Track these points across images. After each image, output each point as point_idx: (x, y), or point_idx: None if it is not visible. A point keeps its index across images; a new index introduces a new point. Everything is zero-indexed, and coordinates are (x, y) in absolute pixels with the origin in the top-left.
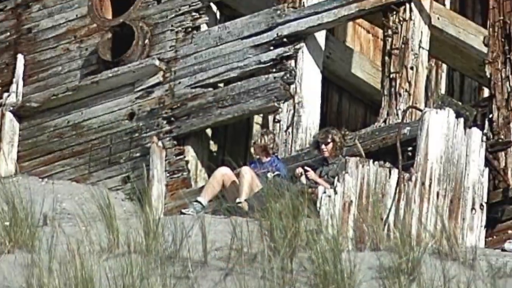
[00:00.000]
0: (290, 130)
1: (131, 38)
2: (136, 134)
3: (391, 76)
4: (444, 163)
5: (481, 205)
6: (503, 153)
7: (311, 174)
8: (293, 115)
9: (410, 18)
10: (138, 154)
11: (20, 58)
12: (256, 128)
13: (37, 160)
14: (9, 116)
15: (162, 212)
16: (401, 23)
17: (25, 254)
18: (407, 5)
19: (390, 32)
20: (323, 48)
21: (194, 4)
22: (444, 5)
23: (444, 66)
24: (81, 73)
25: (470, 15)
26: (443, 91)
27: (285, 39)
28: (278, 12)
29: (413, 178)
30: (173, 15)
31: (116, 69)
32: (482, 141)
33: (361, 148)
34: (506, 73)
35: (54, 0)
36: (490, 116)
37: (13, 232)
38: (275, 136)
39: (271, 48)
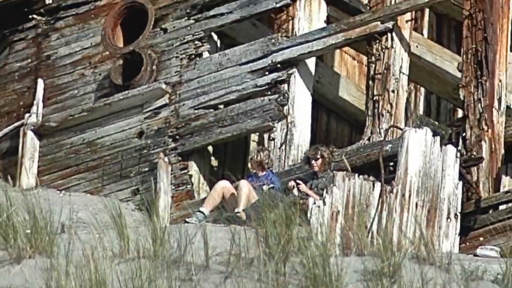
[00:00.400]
0: (283, 147)
1: (140, 64)
2: (145, 151)
3: (375, 98)
4: (422, 177)
5: (456, 214)
6: (475, 168)
7: (303, 186)
8: (286, 134)
9: (392, 46)
10: (146, 169)
11: (40, 82)
12: (252, 145)
13: (55, 174)
14: (30, 134)
15: (168, 221)
16: (383, 50)
17: (44, 259)
18: (389, 35)
19: (373, 58)
20: (313, 73)
21: (196, 33)
22: (422, 34)
23: (422, 90)
24: (95, 95)
25: (446, 43)
26: (421, 112)
27: (279, 65)
28: (273, 40)
29: (394, 191)
30: (178, 44)
31: (126, 92)
32: (456, 157)
33: (347, 163)
34: (478, 96)
35: (70, 30)
36: (464, 134)
37: (33, 239)
38: (270, 153)
39: (266, 73)
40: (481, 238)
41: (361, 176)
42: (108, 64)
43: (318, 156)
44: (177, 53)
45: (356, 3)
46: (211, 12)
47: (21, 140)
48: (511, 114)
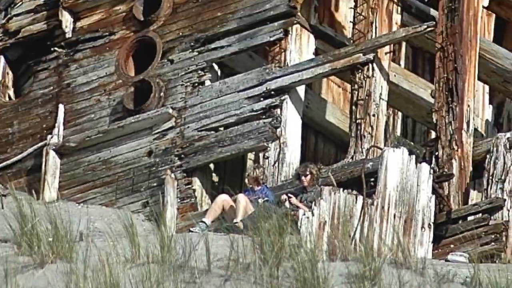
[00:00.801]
0: (276, 164)
1: (150, 91)
2: (154, 168)
3: (357, 121)
4: (399, 191)
5: (429, 224)
6: (446, 183)
7: (293, 200)
8: (279, 153)
9: (372, 75)
10: (155, 184)
11: (61, 108)
12: (249, 163)
13: (74, 189)
14: (52, 153)
15: (174, 230)
16: (365, 79)
17: (65, 264)
18: (370, 65)
19: (356, 86)
20: (302, 99)
21: (199, 64)
22: (399, 64)
23: (400, 114)
24: (109, 119)
25: (421, 73)
26: (398, 133)
27: (272, 92)
28: (267, 70)
29: (375, 203)
30: (183, 73)
31: (137, 116)
32: (429, 173)
33: (333, 179)
34: (449, 120)
35: (88, 61)
36: (436, 154)
37: (55, 246)
38: (265, 170)
39: (261, 99)
40: (452, 246)
41: (345, 191)
42: (121, 91)
43: (307, 173)
44: (182, 81)
45: (341, 37)
46: (213, 45)
47: (44, 158)
48: (478, 135)
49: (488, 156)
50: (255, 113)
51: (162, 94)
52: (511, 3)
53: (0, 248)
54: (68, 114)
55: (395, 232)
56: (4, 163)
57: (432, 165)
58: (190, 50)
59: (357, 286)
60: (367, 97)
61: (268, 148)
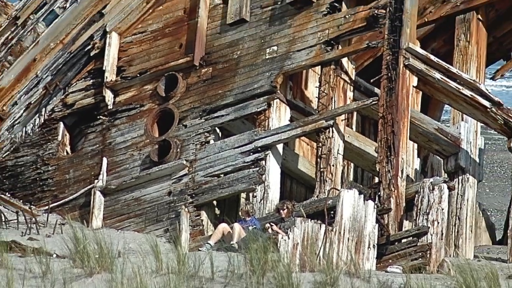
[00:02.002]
0: (262, 201)
1: (169, 148)
2: (172, 204)
3: (321, 170)
4: (352, 221)
5: (373, 245)
6: (386, 215)
7: (274, 227)
8: (264, 193)
9: (332, 136)
10: (173, 216)
11: (105, 160)
12: (242, 200)
13: (114, 219)
14: (98, 193)
15: (187, 249)
16: (327, 139)
17: (107, 274)
18: (330, 129)
19: (320, 144)
20: (281, 154)
21: (206, 128)
22: (352, 128)
23: (352, 164)
24: (140, 168)
25: (367, 134)
26: (351, 179)
27: (259, 149)
28: (255, 133)
29: (334, 229)
30: (193, 134)
31: (160, 166)
32: (374, 208)
33: (303, 212)
34: (388, 169)
35: (124, 125)
36: (379, 193)
37: (100, 261)
38: (253, 205)
39: (251, 154)
40: (390, 261)
41: (312, 221)
42: (148, 148)
43: (285, 208)
44: (193, 141)
45: (309, 108)
46: (215, 114)
47: (92, 197)
48: (409, 180)
49: (416, 195)
50: (246, 164)
51: (178, 150)
52: (434, 84)
53: (60, 262)
54: (110, 165)
55: (349, 251)
56: (63, 200)
57: (376, 202)
58: (199, 118)
59: None
60: (328, 152)
61: (256, 190)
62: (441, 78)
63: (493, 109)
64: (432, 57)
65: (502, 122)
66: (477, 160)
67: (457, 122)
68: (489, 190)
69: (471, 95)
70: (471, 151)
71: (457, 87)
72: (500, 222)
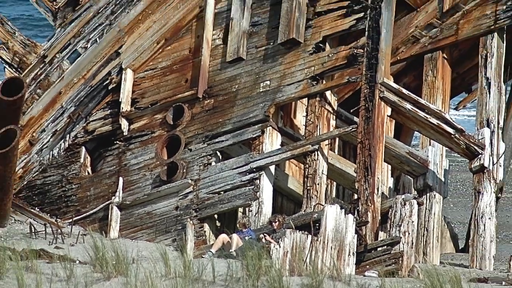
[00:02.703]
0: (256, 215)
1: (177, 169)
2: (179, 217)
3: (308, 188)
4: (334, 232)
5: (353, 253)
6: (364, 227)
7: (267, 237)
8: (258, 208)
9: (317, 159)
10: (180, 228)
11: (121, 180)
12: (239, 214)
13: (129, 231)
14: (115, 208)
15: (192, 256)
16: (313, 161)
17: (123, 278)
18: (316, 152)
19: (307, 166)
20: (273, 173)
21: (208, 152)
22: (334, 152)
23: (335, 183)
24: (151, 186)
25: (348, 157)
26: (334, 195)
27: (254, 169)
28: (251, 156)
29: (319, 239)
30: (197, 157)
31: (169, 184)
32: (353, 221)
33: (293, 224)
34: (366, 186)
35: (137, 149)
36: (358, 208)
37: (117, 267)
38: (249, 218)
39: (247, 174)
40: (367, 266)
41: (300, 232)
42: (158, 169)
43: (276, 221)
44: (197, 163)
45: (297, 134)
46: (216, 140)
47: (110, 211)
48: (384, 197)
49: (390, 210)
50: (243, 182)
51: (184, 170)
52: (405, 114)
53: (82, 268)
54: (125, 183)
55: (332, 258)
56: (85, 214)
57: (355, 216)
58: (202, 143)
59: None
60: (314, 173)
61: (251, 205)
62: (412, 108)
63: (456, 135)
64: (404, 90)
65: (464, 147)
66: (443, 179)
67: (425, 147)
68: (453, 205)
69: (437, 123)
70: (437, 171)
71: (425, 116)
72: (463, 233)
